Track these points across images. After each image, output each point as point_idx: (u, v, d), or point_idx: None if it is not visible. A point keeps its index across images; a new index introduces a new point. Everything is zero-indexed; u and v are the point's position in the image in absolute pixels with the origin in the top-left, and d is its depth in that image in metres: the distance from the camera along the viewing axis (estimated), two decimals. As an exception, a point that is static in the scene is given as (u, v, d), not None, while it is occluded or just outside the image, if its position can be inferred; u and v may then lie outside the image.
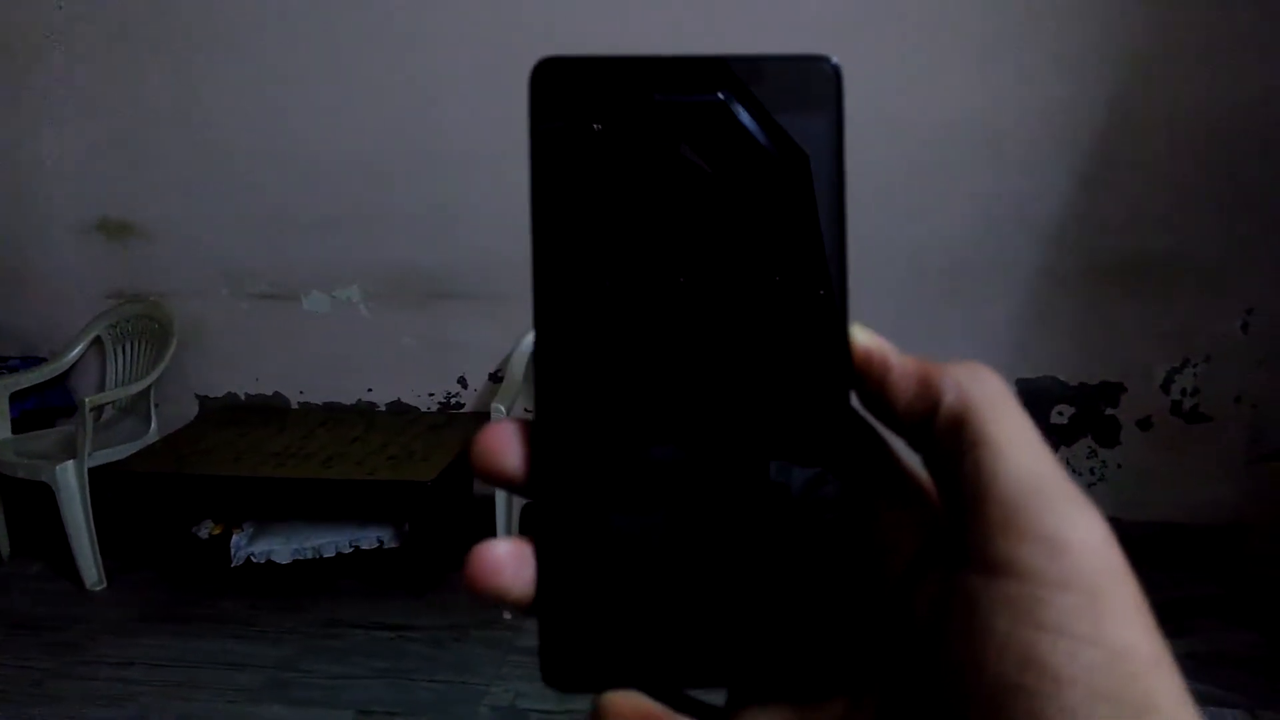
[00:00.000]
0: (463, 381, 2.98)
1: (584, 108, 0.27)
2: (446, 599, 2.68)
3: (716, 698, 0.27)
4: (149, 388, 2.97)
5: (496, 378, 2.93)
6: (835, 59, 0.27)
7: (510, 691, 2.28)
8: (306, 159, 2.85)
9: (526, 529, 0.27)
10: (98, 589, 2.76)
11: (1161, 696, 0.22)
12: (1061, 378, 2.68)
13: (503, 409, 2.48)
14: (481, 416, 2.79)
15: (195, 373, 3.10)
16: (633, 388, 0.27)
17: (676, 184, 0.27)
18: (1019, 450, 0.24)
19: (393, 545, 2.74)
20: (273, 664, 2.42)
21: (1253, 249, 2.53)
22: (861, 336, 0.27)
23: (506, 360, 2.79)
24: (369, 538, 2.73)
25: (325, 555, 2.71)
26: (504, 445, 0.27)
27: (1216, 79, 2.43)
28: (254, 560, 2.70)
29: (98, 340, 3.07)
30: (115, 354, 3.08)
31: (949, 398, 0.25)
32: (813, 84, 0.27)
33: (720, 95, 0.27)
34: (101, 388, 3.08)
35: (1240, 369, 2.60)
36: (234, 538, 2.72)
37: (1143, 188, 2.54)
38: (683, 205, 0.27)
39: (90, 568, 2.75)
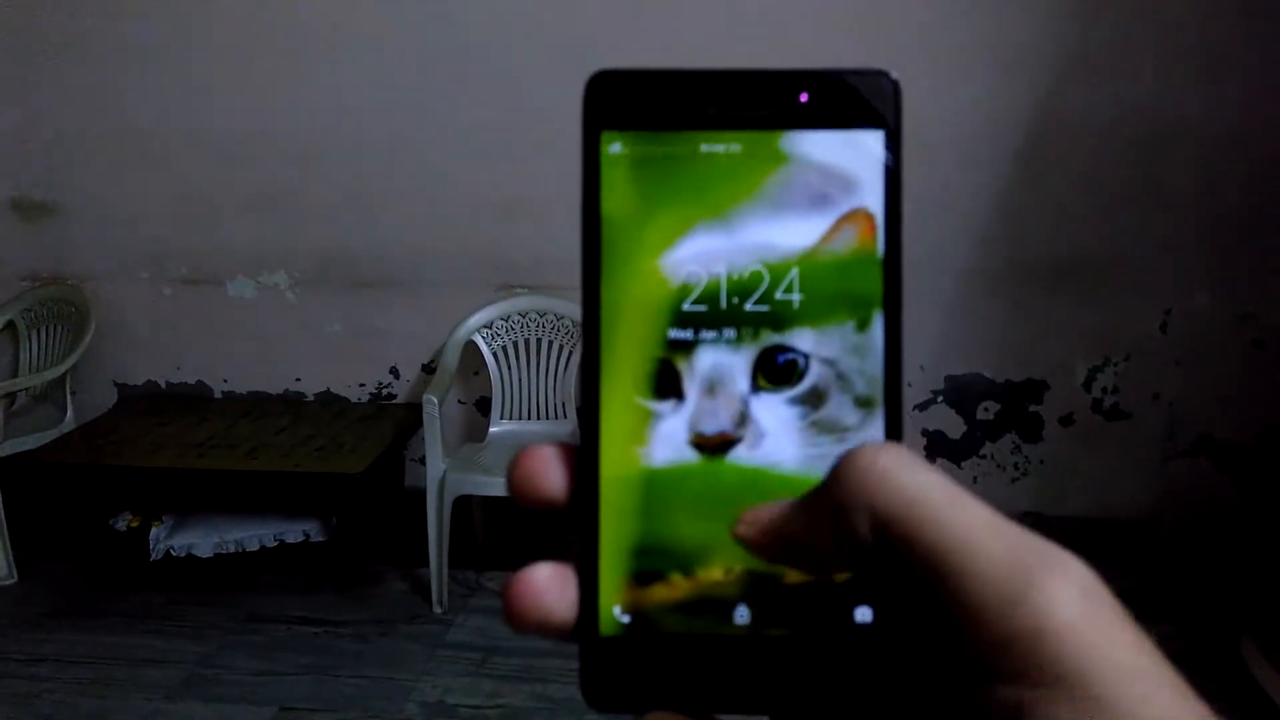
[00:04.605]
0: (394, 372, 2.93)
1: (639, 120, 0.27)
2: (374, 593, 2.64)
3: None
4: (65, 375, 2.87)
5: (429, 368, 2.89)
6: (895, 73, 0.26)
7: (438, 687, 2.26)
8: (232, 140, 2.77)
9: (569, 551, 0.27)
10: (7, 583, 2.66)
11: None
12: (988, 374, 2.73)
13: (435, 400, 2.45)
14: (414, 408, 2.74)
15: (114, 360, 2.99)
16: (683, 415, 0.27)
17: (733, 200, 0.27)
18: (973, 538, 0.22)
19: (320, 539, 2.69)
20: (192, 660, 2.36)
21: (1172, 251, 2.60)
22: (740, 529, 0.25)
23: (439, 351, 2.75)
24: (294, 531, 2.67)
25: (248, 549, 2.65)
26: (545, 469, 0.27)
27: (1139, 84, 2.49)
28: (173, 553, 2.63)
29: (11, 325, 2.95)
30: (29, 339, 2.97)
31: (859, 518, 0.23)
32: (871, 99, 0.26)
33: (776, 109, 0.26)
34: (15, 374, 2.96)
35: (1159, 368, 2.68)
36: (153, 530, 2.65)
37: (1068, 191, 2.59)
38: (740, 222, 0.27)
39: (0, 560, 2.65)
